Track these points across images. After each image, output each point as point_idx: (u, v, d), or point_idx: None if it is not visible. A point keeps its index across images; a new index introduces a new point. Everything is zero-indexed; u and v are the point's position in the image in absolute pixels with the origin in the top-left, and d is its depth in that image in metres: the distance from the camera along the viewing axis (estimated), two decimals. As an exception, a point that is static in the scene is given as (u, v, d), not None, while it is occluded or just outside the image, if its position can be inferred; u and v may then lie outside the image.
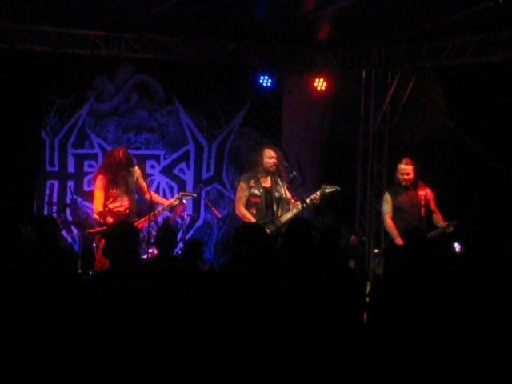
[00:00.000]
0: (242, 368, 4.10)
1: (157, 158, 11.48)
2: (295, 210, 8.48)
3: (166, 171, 11.51)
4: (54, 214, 9.86)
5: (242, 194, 8.48)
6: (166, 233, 5.96)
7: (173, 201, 9.05)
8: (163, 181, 11.53)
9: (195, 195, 9.67)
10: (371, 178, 11.46)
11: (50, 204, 10.79)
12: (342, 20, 9.46)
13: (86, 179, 11.08)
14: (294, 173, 9.95)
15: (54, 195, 11.03)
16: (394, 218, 8.51)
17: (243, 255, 4.60)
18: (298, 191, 10.09)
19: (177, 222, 10.07)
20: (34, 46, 10.00)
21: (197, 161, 11.71)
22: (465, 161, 10.21)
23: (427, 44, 10.16)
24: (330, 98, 11.47)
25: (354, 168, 11.55)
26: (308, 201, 8.36)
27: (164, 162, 11.51)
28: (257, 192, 8.42)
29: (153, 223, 8.58)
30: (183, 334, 4.31)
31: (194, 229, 11.56)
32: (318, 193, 8.42)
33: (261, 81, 11.14)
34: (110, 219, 8.59)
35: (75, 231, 10.55)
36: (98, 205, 8.75)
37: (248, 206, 8.44)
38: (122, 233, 4.58)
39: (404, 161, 8.66)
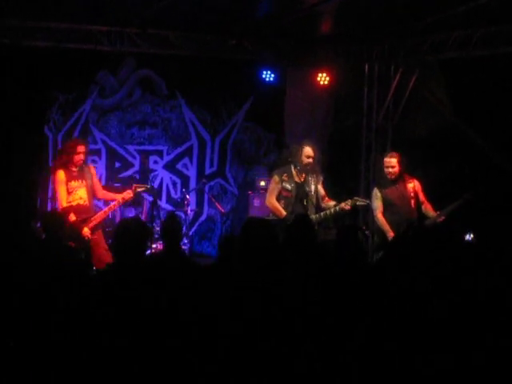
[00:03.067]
0: (245, 367, 4.10)
1: (160, 154, 11.49)
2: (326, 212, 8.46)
3: (169, 166, 11.52)
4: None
5: (274, 186, 8.47)
6: (173, 225, 5.94)
7: (125, 194, 8.67)
8: (166, 176, 11.54)
9: (148, 186, 9.18)
10: (374, 173, 11.44)
11: (54, 199, 10.79)
12: (345, 14, 9.45)
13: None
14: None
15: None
16: (384, 213, 8.45)
17: (251, 250, 4.60)
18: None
19: (180, 216, 10.08)
20: (37, 41, 9.99)
21: (200, 156, 11.72)
22: (467, 155, 10.20)
23: (430, 38, 10.14)
24: (332, 92, 11.46)
25: (357, 162, 11.54)
26: (337, 208, 8.35)
27: (167, 158, 11.53)
28: (288, 186, 8.40)
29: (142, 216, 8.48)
30: (189, 331, 4.31)
31: (197, 224, 11.58)
32: (349, 203, 8.36)
33: (263, 75, 11.15)
34: (72, 217, 8.27)
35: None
36: (62, 201, 8.41)
37: (278, 199, 8.44)
38: (130, 229, 4.58)
39: (389, 154, 8.64)
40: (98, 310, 4.27)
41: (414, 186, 8.48)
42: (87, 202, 8.55)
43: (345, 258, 5.31)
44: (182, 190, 11.14)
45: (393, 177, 8.43)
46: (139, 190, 8.86)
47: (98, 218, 8.49)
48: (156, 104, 11.46)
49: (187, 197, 10.22)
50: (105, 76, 11.20)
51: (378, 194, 8.53)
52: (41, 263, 5.01)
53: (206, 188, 11.39)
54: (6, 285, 4.82)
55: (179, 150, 11.59)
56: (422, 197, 8.52)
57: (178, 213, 10.49)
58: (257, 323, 4.17)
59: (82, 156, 8.52)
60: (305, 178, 8.47)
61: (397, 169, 8.42)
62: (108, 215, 8.90)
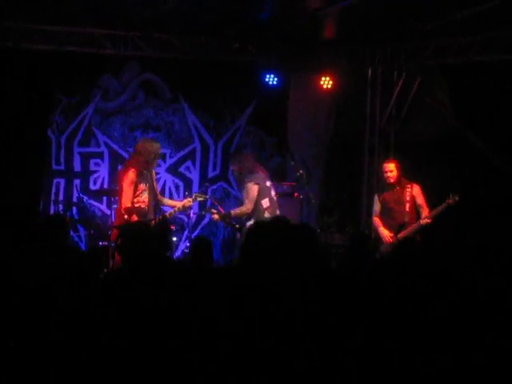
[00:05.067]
0: (244, 366, 4.11)
1: (162, 157, 11.50)
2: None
3: (172, 170, 11.53)
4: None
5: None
6: (162, 230, 5.94)
7: (186, 202, 8.71)
8: (169, 179, 11.55)
9: (207, 196, 9.29)
10: (377, 177, 11.44)
11: (57, 202, 10.82)
12: (348, 18, 9.48)
13: (91, 178, 11.13)
14: (301, 171, 10.01)
15: (61, 194, 11.07)
16: (382, 216, 8.87)
17: (256, 253, 4.60)
18: (304, 189, 10.14)
19: (183, 220, 10.07)
20: (40, 44, 10.03)
21: (203, 159, 11.73)
22: (469, 159, 10.21)
23: (432, 42, 10.17)
24: (335, 96, 11.46)
25: (360, 166, 11.54)
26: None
27: (170, 161, 11.53)
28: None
29: None
30: (189, 331, 4.32)
31: (199, 227, 11.59)
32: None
33: (267, 79, 11.14)
34: (134, 217, 8.23)
35: (81, 230, 10.59)
36: (126, 200, 8.29)
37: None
38: (138, 232, 4.59)
39: (387, 160, 9.12)
40: (99, 310, 4.28)
41: (411, 190, 8.74)
42: (148, 206, 8.49)
43: (356, 264, 5.34)
44: (184, 193, 11.13)
45: (391, 181, 8.79)
46: (199, 199, 8.88)
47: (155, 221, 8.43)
48: (159, 108, 11.48)
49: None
50: (108, 79, 11.22)
51: (376, 199, 9.01)
52: (41, 263, 5.02)
53: (209, 191, 11.39)
54: (6, 284, 4.83)
55: (182, 153, 11.60)
56: (420, 201, 8.76)
57: (180, 216, 10.49)
58: (256, 322, 4.18)
59: (159, 159, 8.65)
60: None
61: (395, 173, 8.78)
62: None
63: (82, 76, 10.86)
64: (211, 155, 11.74)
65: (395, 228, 8.64)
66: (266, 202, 8.95)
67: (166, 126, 11.51)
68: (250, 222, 8.68)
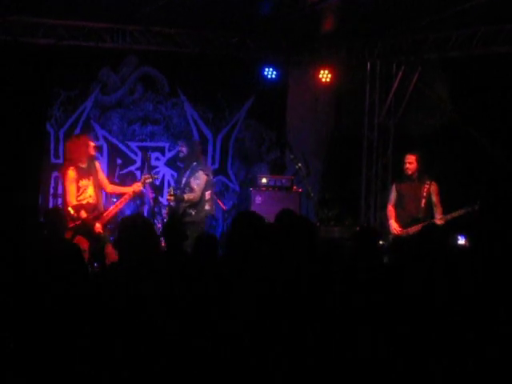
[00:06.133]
0: (245, 365, 4.11)
1: (162, 150, 11.49)
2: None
3: (171, 163, 11.51)
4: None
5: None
6: (174, 225, 5.92)
7: (135, 187, 8.88)
8: (168, 173, 11.54)
9: (156, 176, 9.50)
10: (376, 170, 11.44)
11: (55, 196, 10.80)
12: (347, 12, 9.44)
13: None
14: (300, 164, 10.02)
15: (59, 187, 11.03)
16: (396, 206, 9.00)
17: (240, 244, 4.59)
18: (303, 183, 10.14)
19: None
20: (39, 38, 10.00)
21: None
22: (469, 153, 10.20)
23: (432, 36, 10.14)
24: (334, 90, 11.46)
25: (359, 160, 11.53)
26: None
27: (169, 154, 11.52)
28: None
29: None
30: (189, 328, 4.31)
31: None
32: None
33: (265, 73, 11.15)
34: (83, 213, 8.39)
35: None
36: (71, 198, 8.48)
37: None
38: (134, 226, 4.57)
39: (410, 152, 9.07)
40: (100, 308, 4.27)
41: (429, 186, 8.82)
42: (95, 200, 8.64)
43: (362, 259, 5.34)
44: None
45: (409, 172, 8.89)
46: (148, 181, 8.98)
47: (110, 213, 8.56)
48: (158, 101, 11.46)
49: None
50: (107, 73, 11.20)
51: (394, 188, 9.15)
52: (40, 259, 4.99)
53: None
54: (6, 284, 4.81)
55: (181, 146, 11.57)
56: (435, 199, 8.84)
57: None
58: (256, 322, 4.18)
59: (93, 150, 8.73)
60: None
61: (414, 166, 8.86)
62: (120, 209, 8.91)
63: (81, 70, 10.84)
64: (210, 149, 11.73)
65: (406, 220, 8.70)
66: (208, 194, 9.33)
67: (165, 119, 11.49)
68: (193, 211, 8.86)
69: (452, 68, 10.39)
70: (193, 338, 4.19)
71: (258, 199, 10.39)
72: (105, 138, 11.25)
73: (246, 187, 11.43)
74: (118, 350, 4.10)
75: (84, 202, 8.53)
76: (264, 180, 10.49)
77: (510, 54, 9.43)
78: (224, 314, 4.24)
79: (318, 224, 10.29)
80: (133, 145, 11.40)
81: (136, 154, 11.39)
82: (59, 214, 7.60)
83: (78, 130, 11.05)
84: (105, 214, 8.54)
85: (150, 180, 9.06)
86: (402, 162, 9.09)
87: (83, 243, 7.95)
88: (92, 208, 8.51)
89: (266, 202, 10.17)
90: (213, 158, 11.75)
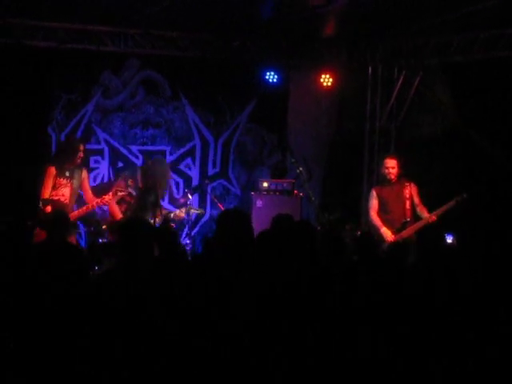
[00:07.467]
0: (244, 365, 4.10)
1: (163, 154, 11.49)
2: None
3: (172, 167, 11.51)
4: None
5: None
6: (166, 231, 5.91)
7: (100, 200, 8.82)
8: (168, 176, 11.54)
9: (131, 192, 9.24)
10: (377, 174, 11.42)
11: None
12: (348, 15, 9.46)
13: (91, 175, 11.09)
14: (301, 168, 10.01)
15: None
16: (379, 212, 8.82)
17: (225, 242, 4.60)
18: (304, 187, 10.13)
19: (183, 218, 9.99)
20: (41, 41, 10.03)
21: (203, 157, 11.72)
22: (471, 157, 10.20)
23: (433, 40, 10.15)
24: (336, 93, 11.46)
25: (360, 164, 11.53)
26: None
27: (170, 158, 11.52)
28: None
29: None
30: (189, 328, 4.31)
31: (199, 225, 11.58)
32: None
33: (267, 77, 11.15)
34: (49, 208, 8.52)
35: (82, 227, 10.57)
36: (44, 192, 8.71)
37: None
38: (134, 226, 4.58)
39: (389, 156, 9.11)
40: (100, 308, 4.27)
41: (410, 188, 8.70)
42: (68, 202, 8.82)
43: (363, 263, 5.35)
44: (184, 190, 11.15)
45: (392, 177, 8.78)
46: (120, 194, 8.85)
47: (72, 215, 8.60)
48: (159, 105, 11.47)
49: (189, 196, 10.16)
50: (108, 77, 11.22)
51: (374, 194, 8.95)
52: (40, 260, 5.00)
53: (209, 189, 11.39)
54: (6, 284, 4.81)
55: (182, 150, 11.59)
56: (416, 200, 8.74)
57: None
58: (256, 322, 4.18)
59: (82, 155, 8.87)
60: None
61: (396, 170, 8.76)
62: (80, 215, 8.97)
63: (83, 73, 10.86)
64: (211, 152, 11.73)
65: (394, 225, 8.59)
66: None
67: (166, 123, 11.50)
68: None
69: (453, 71, 10.40)
70: (193, 338, 4.19)
71: (259, 203, 10.38)
72: (106, 142, 11.26)
73: (247, 191, 11.43)
74: (118, 350, 4.10)
75: (56, 198, 8.72)
76: (265, 184, 10.48)
77: (510, 58, 9.44)
78: (224, 314, 4.24)
79: (319, 228, 10.27)
80: (134, 148, 11.41)
81: (137, 158, 11.40)
82: (60, 215, 7.60)
83: (79, 134, 11.05)
84: (71, 214, 8.61)
85: (123, 193, 8.95)
86: (380, 166, 9.04)
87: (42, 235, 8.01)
88: (61, 207, 8.60)
89: (267, 205, 10.15)
90: (214, 161, 11.75)
